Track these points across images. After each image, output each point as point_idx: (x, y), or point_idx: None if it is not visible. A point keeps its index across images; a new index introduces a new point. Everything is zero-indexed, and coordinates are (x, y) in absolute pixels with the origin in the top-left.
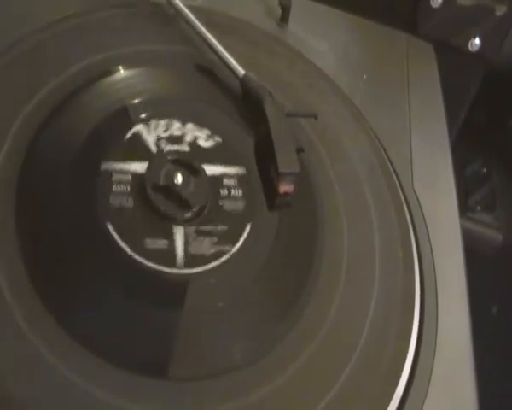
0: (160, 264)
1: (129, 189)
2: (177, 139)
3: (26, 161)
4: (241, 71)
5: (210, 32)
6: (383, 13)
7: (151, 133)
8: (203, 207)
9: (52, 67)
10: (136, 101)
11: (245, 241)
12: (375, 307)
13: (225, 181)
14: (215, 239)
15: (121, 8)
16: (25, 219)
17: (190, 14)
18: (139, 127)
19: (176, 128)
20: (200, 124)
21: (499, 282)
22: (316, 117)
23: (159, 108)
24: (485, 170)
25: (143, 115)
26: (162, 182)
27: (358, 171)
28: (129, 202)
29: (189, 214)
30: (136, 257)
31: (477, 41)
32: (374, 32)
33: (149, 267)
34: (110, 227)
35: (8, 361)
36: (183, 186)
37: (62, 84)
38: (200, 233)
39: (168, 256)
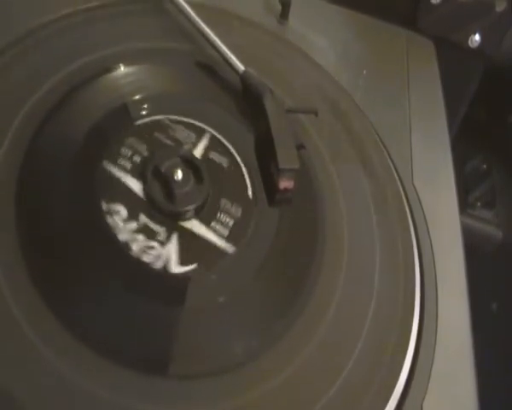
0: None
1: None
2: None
3: (26, 159)
4: (241, 67)
5: (210, 28)
6: (383, 9)
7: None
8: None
9: (50, 66)
10: (137, 97)
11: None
12: (375, 304)
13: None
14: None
15: (121, 6)
16: (25, 217)
17: (190, 11)
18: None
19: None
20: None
21: (499, 278)
22: (316, 113)
23: (159, 105)
24: (485, 166)
25: (144, 112)
26: (163, 170)
27: (358, 167)
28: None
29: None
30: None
31: (477, 37)
32: (374, 28)
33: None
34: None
35: (8, 360)
36: (181, 184)
37: (61, 82)
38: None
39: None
